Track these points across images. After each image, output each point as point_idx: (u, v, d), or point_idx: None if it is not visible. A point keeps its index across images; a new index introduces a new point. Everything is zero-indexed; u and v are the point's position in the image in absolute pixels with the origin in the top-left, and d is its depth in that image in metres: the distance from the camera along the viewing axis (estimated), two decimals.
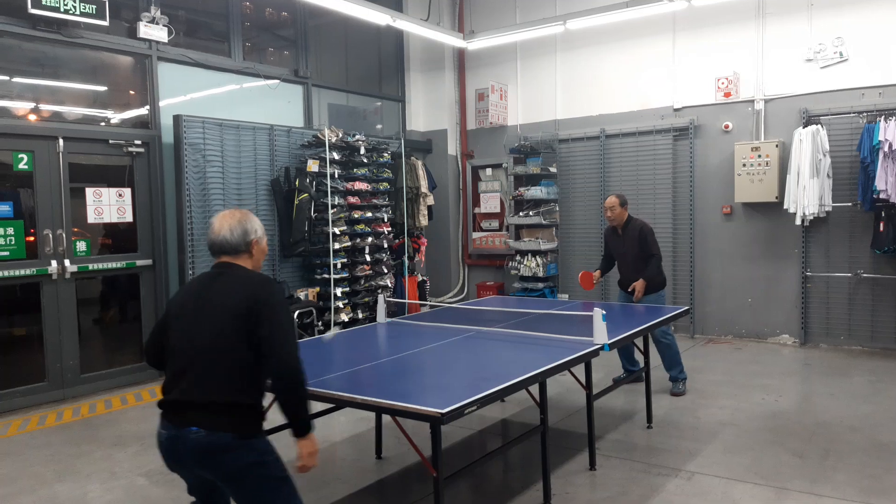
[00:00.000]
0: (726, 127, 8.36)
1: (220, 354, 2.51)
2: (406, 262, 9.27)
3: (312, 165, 7.85)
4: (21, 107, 6.38)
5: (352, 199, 8.33)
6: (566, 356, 3.80)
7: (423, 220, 9.52)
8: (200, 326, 2.56)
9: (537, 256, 9.44)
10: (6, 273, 6.08)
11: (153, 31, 6.98)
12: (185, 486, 2.76)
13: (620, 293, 6.42)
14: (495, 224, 10.43)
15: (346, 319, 8.18)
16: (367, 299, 8.50)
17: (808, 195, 7.39)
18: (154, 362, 2.77)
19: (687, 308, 5.76)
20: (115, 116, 7.07)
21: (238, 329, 2.51)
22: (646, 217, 8.79)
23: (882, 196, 6.98)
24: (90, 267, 6.65)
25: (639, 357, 5.77)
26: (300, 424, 2.58)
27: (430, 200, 9.64)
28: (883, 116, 7.13)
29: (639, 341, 5.43)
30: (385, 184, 8.89)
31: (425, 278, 9.91)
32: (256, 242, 2.75)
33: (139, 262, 7.03)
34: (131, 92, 7.23)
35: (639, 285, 5.98)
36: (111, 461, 4.88)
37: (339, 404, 3.56)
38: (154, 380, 7.07)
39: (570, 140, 9.46)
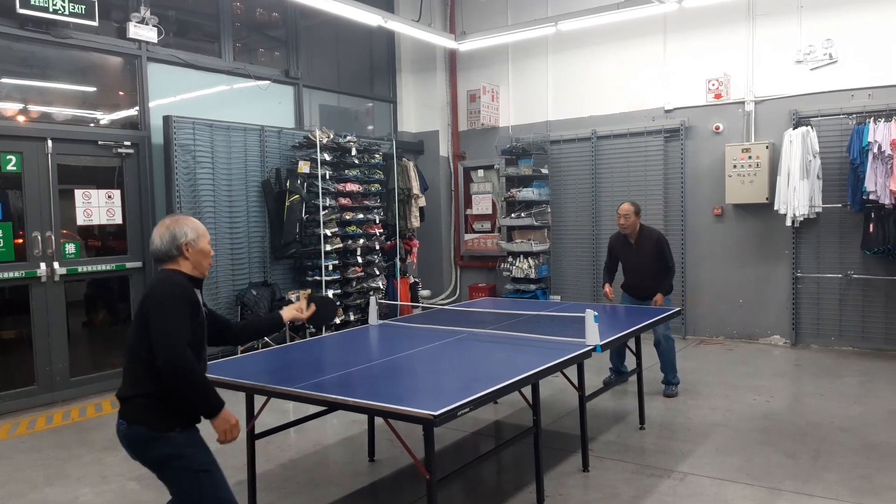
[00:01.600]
0: (717, 128, 8.39)
1: (131, 351, 2.72)
2: (398, 263, 9.25)
3: (303, 167, 7.82)
4: (9, 108, 6.32)
5: (343, 201, 8.31)
6: (558, 358, 3.80)
7: (415, 222, 9.51)
8: (130, 329, 2.81)
9: (529, 258, 9.45)
10: None
11: (143, 31, 6.94)
12: None
13: (625, 296, 6.36)
14: (487, 225, 10.43)
15: (338, 321, 8.15)
16: (358, 301, 8.48)
17: (798, 196, 7.42)
18: None
19: (678, 309, 5.78)
20: (105, 117, 7.02)
21: (139, 326, 2.68)
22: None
23: (871, 197, 7.02)
24: (79, 269, 6.60)
25: (630, 359, 5.77)
26: (203, 410, 2.72)
27: (422, 202, 9.64)
28: (872, 118, 7.17)
29: (631, 343, 5.43)
30: (376, 185, 8.88)
31: (417, 280, 9.90)
32: (189, 245, 2.82)
33: (129, 265, 6.98)
34: (121, 93, 7.19)
35: (660, 300, 6.03)
36: (102, 465, 4.84)
37: (332, 407, 3.54)
38: None
39: (562, 141, 9.47)
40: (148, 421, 2.66)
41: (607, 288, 6.27)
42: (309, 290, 3.15)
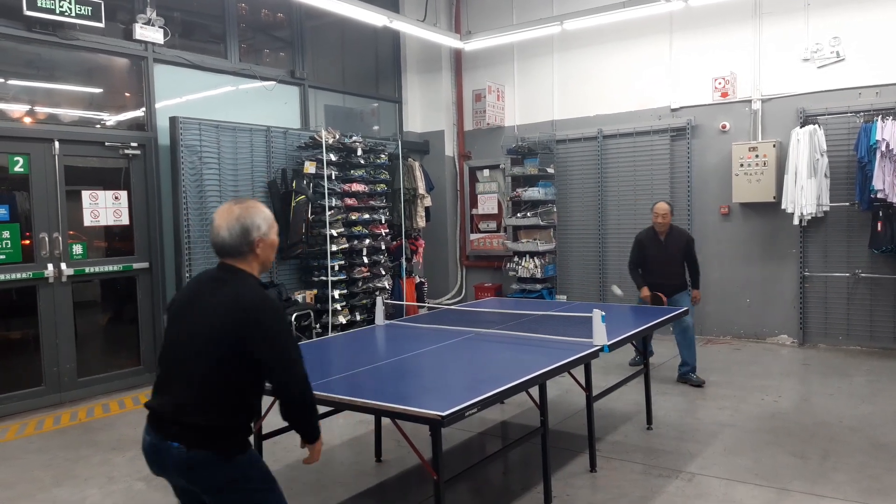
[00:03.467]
0: (723, 127, 8.36)
1: (205, 372, 2.40)
2: (404, 263, 9.25)
3: (309, 167, 7.83)
4: (17, 109, 6.34)
5: (349, 201, 8.31)
6: (566, 358, 3.79)
7: (421, 222, 9.51)
8: (190, 341, 2.45)
9: (535, 258, 9.43)
10: (2, 277, 6.04)
11: (149, 32, 6.96)
12: None
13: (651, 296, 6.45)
14: (493, 225, 10.42)
15: (344, 322, 8.16)
16: (364, 301, 8.48)
17: (805, 195, 7.39)
18: None
19: (686, 309, 5.76)
20: (111, 119, 7.04)
21: (226, 349, 2.38)
22: (644, 217, 8.83)
23: (879, 196, 6.99)
24: (87, 270, 6.62)
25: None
26: (312, 435, 2.63)
27: (428, 202, 9.63)
28: (880, 116, 7.13)
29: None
30: (382, 185, 8.87)
31: (423, 280, 9.90)
32: (261, 240, 2.52)
33: (136, 265, 7.00)
34: (127, 94, 7.21)
35: (698, 295, 6.59)
36: (109, 466, 4.85)
37: (339, 407, 3.54)
38: (151, 383, 7.02)
39: (568, 141, 9.45)
40: (215, 447, 2.39)
41: (646, 291, 6.42)
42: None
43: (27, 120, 6.38)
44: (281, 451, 4.93)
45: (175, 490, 2.64)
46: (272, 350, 2.41)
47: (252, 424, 2.56)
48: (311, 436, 2.62)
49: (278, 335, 2.43)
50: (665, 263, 6.45)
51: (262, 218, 2.54)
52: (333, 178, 8.11)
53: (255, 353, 2.39)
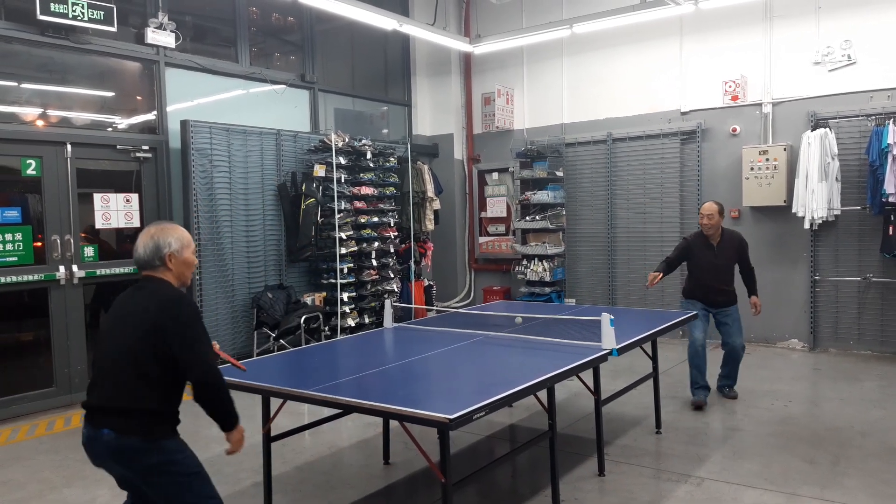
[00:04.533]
0: (734, 130, 8.33)
1: (129, 366, 2.66)
2: (412, 266, 9.26)
3: (319, 170, 7.86)
4: (29, 112, 6.40)
5: (358, 204, 8.33)
6: (574, 361, 3.78)
7: (430, 225, 9.52)
8: (114, 338, 2.74)
9: (544, 261, 9.42)
10: (14, 279, 6.09)
11: (161, 36, 7.00)
12: None
13: (694, 303, 5.99)
14: (502, 228, 10.41)
15: (353, 324, 8.17)
16: (373, 304, 8.49)
17: (816, 199, 7.35)
18: None
19: (695, 312, 5.73)
20: (123, 122, 7.09)
21: (146, 344, 2.65)
22: (653, 220, 8.83)
23: (891, 199, 6.95)
24: (98, 272, 6.66)
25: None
26: (227, 423, 2.81)
27: (437, 205, 9.64)
28: (892, 119, 7.10)
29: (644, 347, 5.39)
30: (391, 188, 8.89)
31: (432, 283, 9.90)
32: (172, 256, 2.82)
33: None
34: (139, 97, 7.26)
35: (758, 301, 6.18)
36: None
37: (347, 410, 3.55)
38: None
39: (577, 144, 9.44)
40: (142, 432, 2.65)
41: (654, 275, 5.85)
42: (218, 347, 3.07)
43: (40, 123, 6.44)
44: (290, 454, 4.94)
45: (116, 480, 2.85)
46: (182, 337, 2.66)
47: (178, 412, 2.80)
48: (226, 422, 2.80)
49: (190, 328, 2.69)
50: (717, 268, 5.90)
51: (175, 238, 2.85)
52: (343, 181, 8.13)
53: (167, 345, 2.65)
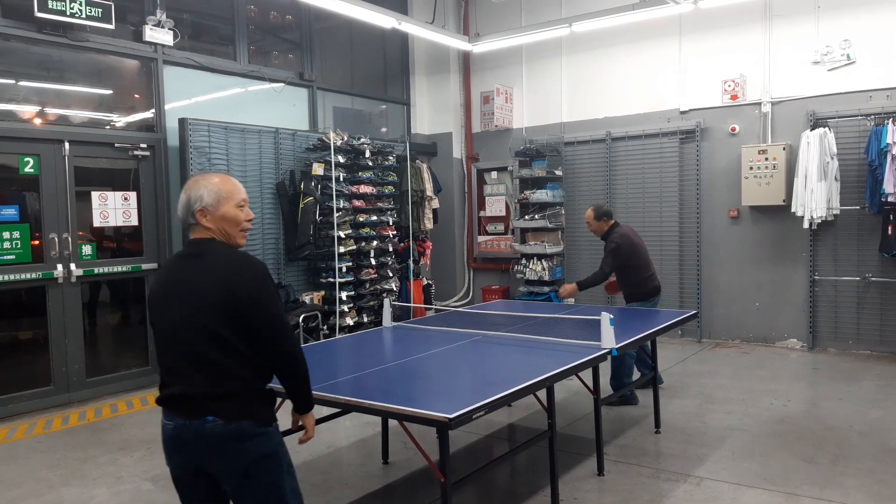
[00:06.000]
0: (733, 129, 8.32)
1: (213, 346, 2.36)
2: (411, 265, 9.25)
3: (317, 169, 7.84)
4: (27, 110, 6.38)
5: (357, 203, 8.31)
6: (574, 361, 3.78)
7: (429, 224, 9.51)
8: (187, 317, 2.39)
9: (543, 260, 9.41)
10: (12, 277, 6.08)
11: (159, 34, 6.98)
12: None
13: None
14: (500, 227, 10.41)
15: (352, 323, 8.16)
16: (372, 303, 8.48)
17: (815, 198, 7.35)
18: None
19: (694, 312, 5.73)
20: (121, 120, 7.07)
21: (223, 320, 2.36)
22: (652, 220, 8.82)
23: (890, 199, 6.95)
24: (96, 271, 6.65)
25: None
26: (306, 402, 2.59)
27: (436, 204, 9.63)
28: (891, 119, 7.09)
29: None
30: (390, 187, 8.88)
31: (430, 282, 9.89)
32: (205, 211, 2.46)
33: (144, 266, 7.02)
34: (137, 95, 7.24)
35: (564, 288, 6.17)
36: (117, 466, 4.86)
37: (346, 409, 3.54)
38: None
39: (576, 143, 9.43)
40: (253, 415, 2.39)
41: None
42: None
43: (37, 121, 6.42)
44: (289, 451, 4.92)
45: (180, 477, 2.53)
46: (262, 303, 2.39)
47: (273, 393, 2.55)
48: (305, 402, 2.59)
49: (268, 291, 2.42)
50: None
51: (208, 190, 2.48)
52: (341, 179, 8.12)
53: (243, 311, 2.36)
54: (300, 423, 2.65)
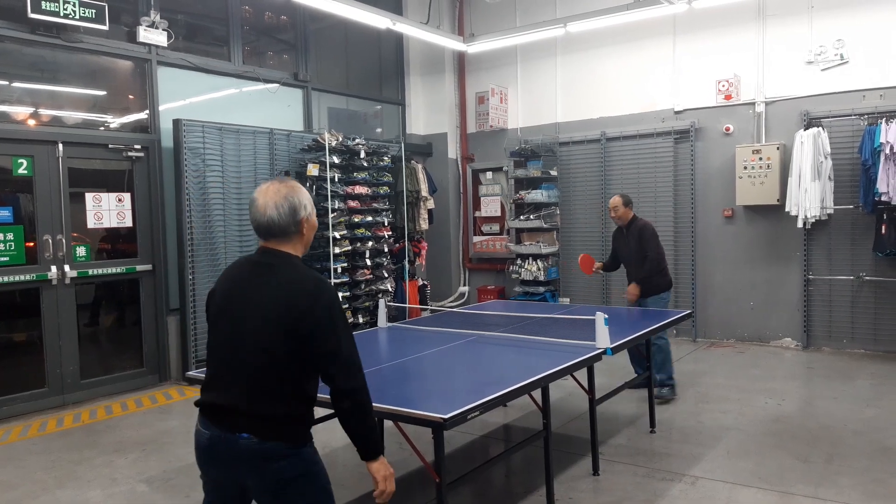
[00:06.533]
0: (727, 129, 8.35)
1: (268, 366, 2.31)
2: (406, 266, 9.25)
3: (312, 169, 7.83)
4: (20, 111, 6.36)
5: (352, 203, 8.31)
6: (569, 361, 3.78)
7: (424, 224, 9.50)
8: (246, 330, 2.34)
9: (538, 260, 9.42)
10: (6, 279, 6.06)
11: (153, 35, 6.97)
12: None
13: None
14: (496, 228, 10.41)
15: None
16: (367, 304, 8.47)
17: (809, 198, 7.37)
18: None
19: (689, 312, 5.75)
20: (115, 121, 7.05)
21: (286, 343, 2.29)
22: (647, 219, 8.81)
23: (884, 198, 6.98)
24: (90, 272, 6.63)
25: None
26: (371, 447, 2.40)
27: (431, 204, 9.63)
28: (884, 118, 7.12)
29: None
30: (385, 187, 8.87)
31: (426, 282, 9.89)
32: (306, 220, 2.42)
33: (139, 268, 7.01)
34: (131, 96, 7.22)
35: (630, 289, 6.05)
36: (112, 467, 4.85)
37: None
38: (154, 385, 7.05)
39: (571, 143, 9.44)
40: (286, 437, 2.32)
41: (598, 263, 6.52)
42: None
43: (31, 122, 6.39)
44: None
45: (212, 486, 2.51)
46: (331, 333, 2.29)
47: (313, 417, 2.48)
48: (371, 447, 2.39)
49: (335, 321, 2.31)
50: (629, 258, 6.20)
51: (308, 198, 2.45)
52: (336, 180, 8.11)
53: (311, 338, 2.28)
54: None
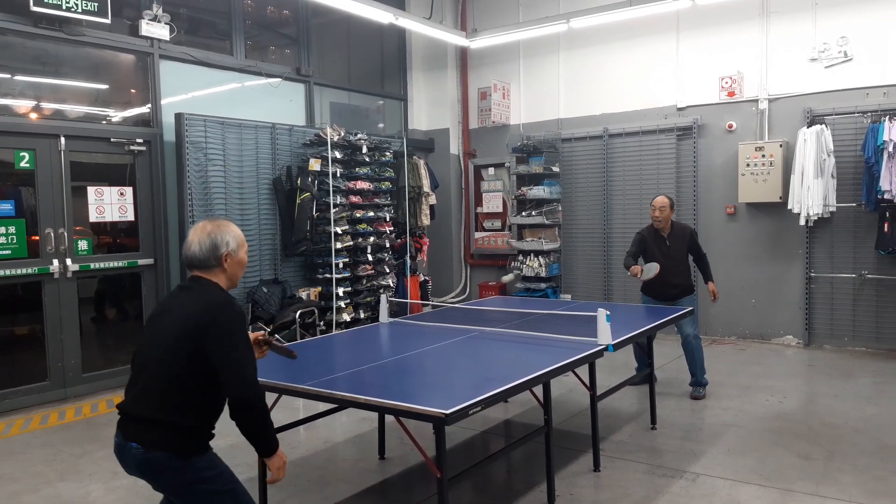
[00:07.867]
0: (730, 126, 8.33)
1: (164, 372, 2.49)
2: (408, 261, 9.24)
3: (314, 164, 7.83)
4: (23, 105, 6.36)
5: (354, 199, 8.30)
6: (570, 357, 3.79)
7: (426, 220, 9.50)
8: (154, 339, 2.57)
9: (540, 256, 9.41)
10: (8, 272, 6.06)
11: (155, 28, 6.96)
12: None
13: (644, 297, 6.23)
14: (498, 224, 10.41)
15: (348, 319, 8.16)
16: (368, 299, 8.48)
17: (812, 195, 7.36)
18: None
19: (690, 309, 5.74)
20: (117, 115, 7.05)
21: (182, 350, 2.47)
22: (649, 217, 8.79)
23: (886, 196, 6.96)
24: (92, 266, 6.63)
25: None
26: (264, 447, 2.59)
27: (433, 200, 9.62)
28: (887, 116, 7.09)
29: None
30: (387, 183, 8.87)
31: (427, 278, 9.89)
32: (229, 255, 2.66)
33: (141, 262, 7.01)
34: (133, 90, 7.21)
35: (715, 288, 6.20)
36: (113, 461, 4.79)
37: (342, 404, 3.54)
38: None
39: (573, 139, 9.43)
40: (169, 447, 2.46)
41: (635, 268, 5.92)
42: (265, 335, 2.97)
43: (33, 116, 6.39)
44: (285, 448, 4.87)
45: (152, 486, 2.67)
46: (223, 346, 2.47)
47: (213, 429, 2.61)
48: (263, 448, 2.58)
49: (231, 335, 2.49)
50: (670, 260, 5.98)
51: (232, 237, 2.69)
52: (338, 175, 8.11)
53: (208, 352, 2.46)
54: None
